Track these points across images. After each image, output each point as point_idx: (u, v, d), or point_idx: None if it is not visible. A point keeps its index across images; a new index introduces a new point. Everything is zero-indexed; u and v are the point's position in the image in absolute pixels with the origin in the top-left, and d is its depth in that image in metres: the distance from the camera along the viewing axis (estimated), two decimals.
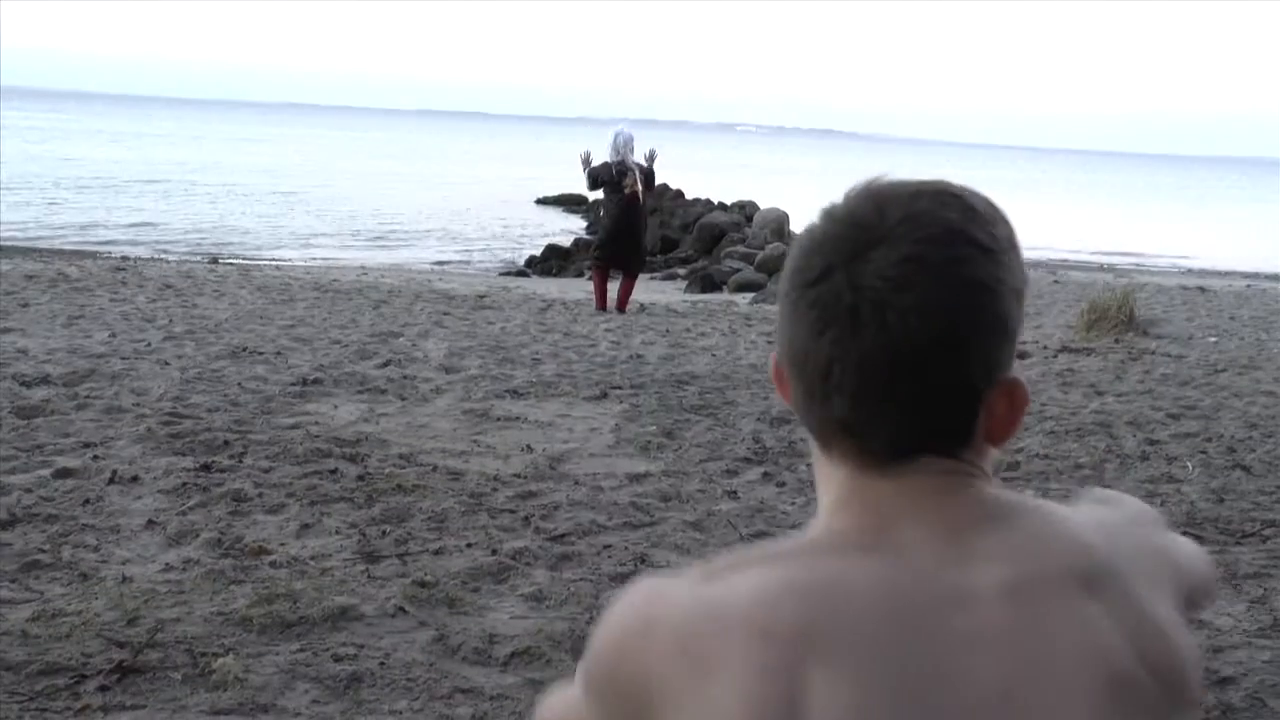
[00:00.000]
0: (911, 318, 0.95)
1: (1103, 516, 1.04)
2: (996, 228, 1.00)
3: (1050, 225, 40.48)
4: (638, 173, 12.23)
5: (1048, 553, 0.95)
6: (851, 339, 0.97)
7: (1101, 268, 24.42)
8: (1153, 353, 9.88)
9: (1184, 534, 4.07)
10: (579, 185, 14.02)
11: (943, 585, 0.93)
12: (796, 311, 1.01)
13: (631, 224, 12.41)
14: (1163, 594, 0.99)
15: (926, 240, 0.96)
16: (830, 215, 1.02)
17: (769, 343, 10.16)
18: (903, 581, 0.93)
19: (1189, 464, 6.03)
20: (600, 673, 0.98)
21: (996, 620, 0.91)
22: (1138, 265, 26.24)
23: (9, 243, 18.68)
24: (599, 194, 13.28)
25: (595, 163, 12.44)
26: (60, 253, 18.21)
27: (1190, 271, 25.20)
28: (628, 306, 12.36)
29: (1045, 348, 10.06)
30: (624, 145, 12.21)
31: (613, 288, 12.49)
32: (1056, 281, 17.81)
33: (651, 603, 0.97)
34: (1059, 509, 1.01)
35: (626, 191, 12.19)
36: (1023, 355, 9.64)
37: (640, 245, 12.81)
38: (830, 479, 1.06)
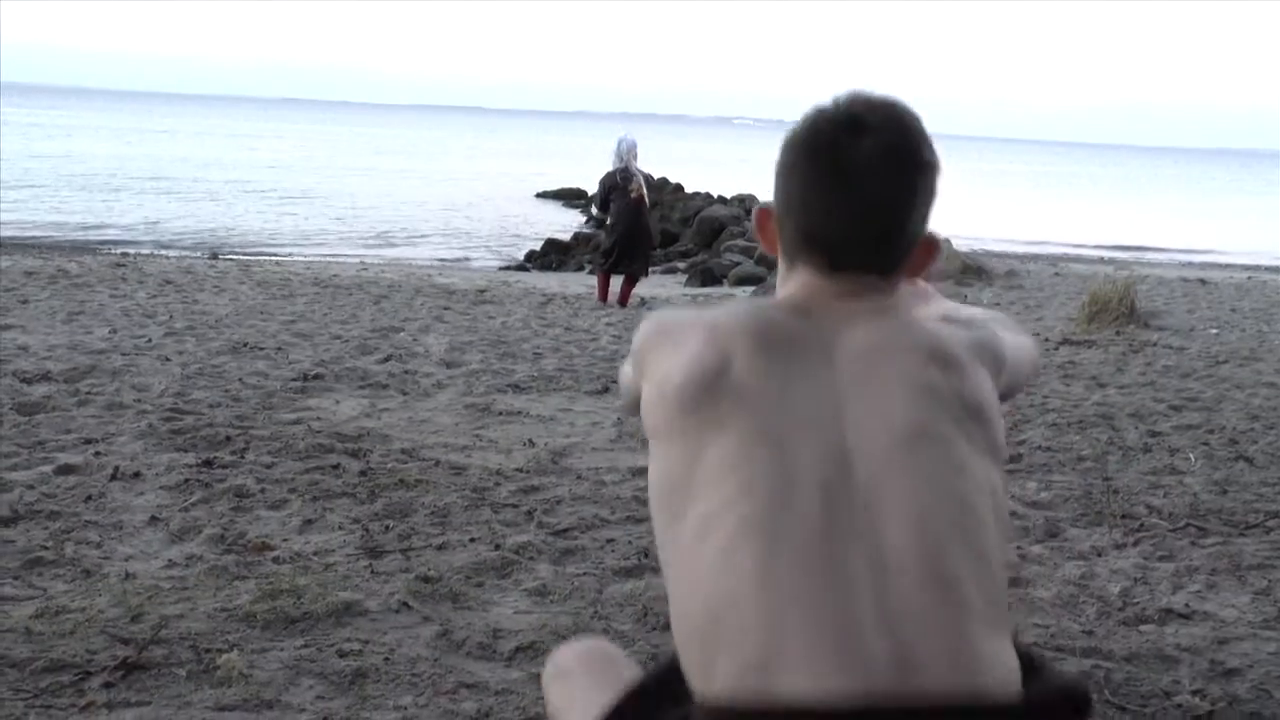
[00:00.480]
0: (887, 185, 1.51)
1: (957, 327, 1.57)
2: (927, 132, 1.57)
3: (1052, 218, 40.46)
4: (640, 177, 12.53)
5: (909, 334, 1.48)
6: (844, 194, 1.51)
7: (1102, 260, 24.41)
8: (1154, 345, 9.87)
9: (1188, 526, 4.06)
10: (577, 180, 14.11)
11: (832, 334, 1.48)
12: (801, 170, 1.55)
13: (638, 228, 12.62)
14: (985, 373, 1.51)
15: (899, 134, 1.53)
16: (828, 111, 1.55)
17: None
18: (810, 328, 1.49)
19: (1191, 456, 6.02)
20: (634, 351, 1.60)
21: (860, 346, 1.47)
22: (1138, 257, 26.23)
23: (10, 240, 18.67)
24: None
25: (602, 174, 12.86)
26: (60, 248, 18.21)
27: (1191, 264, 25.21)
28: (629, 301, 12.47)
29: (1046, 340, 10.06)
30: (627, 151, 12.49)
31: (615, 282, 12.64)
32: (1057, 274, 17.80)
33: (657, 316, 1.61)
34: (929, 320, 1.57)
35: (632, 195, 12.38)
36: None
37: (646, 250, 13.04)
38: (790, 282, 1.60)
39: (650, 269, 14.06)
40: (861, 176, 1.49)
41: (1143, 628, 3.71)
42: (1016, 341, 1.68)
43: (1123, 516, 4.91)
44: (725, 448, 1.40)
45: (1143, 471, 5.71)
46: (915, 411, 1.41)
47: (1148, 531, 4.73)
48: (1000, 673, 1.33)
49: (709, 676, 1.34)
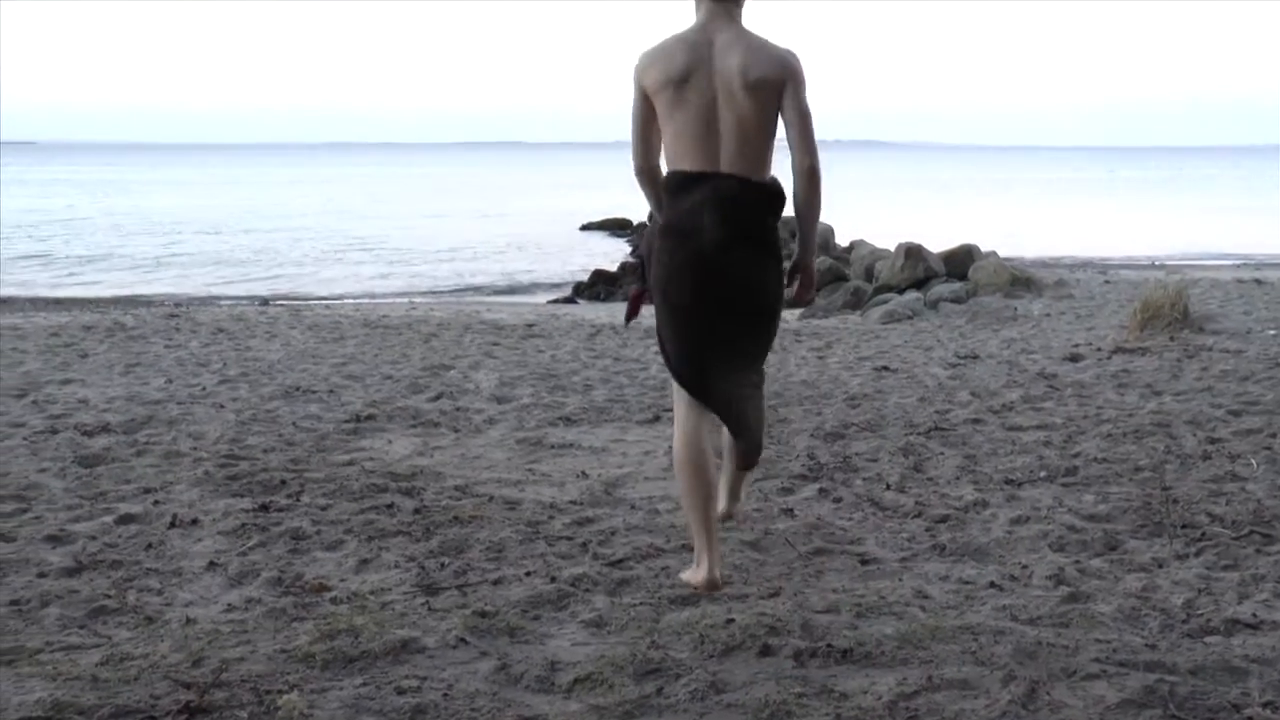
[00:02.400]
0: None
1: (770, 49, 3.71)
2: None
3: (1096, 226, 40.06)
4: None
5: (764, 52, 3.68)
6: None
7: (1152, 265, 24.13)
8: (1210, 349, 9.73)
9: (1252, 534, 3.98)
10: (621, 210, 14.25)
11: (715, 45, 3.69)
12: None
13: None
14: (775, 76, 3.68)
15: None
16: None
17: (820, 359, 10.12)
18: (703, 40, 3.70)
19: (1253, 461, 5.92)
20: (634, 79, 3.78)
21: (727, 62, 3.66)
22: (1189, 260, 25.90)
23: (70, 297, 19.02)
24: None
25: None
26: (116, 301, 18.52)
27: (1245, 264, 24.85)
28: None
29: (1099, 349, 9.95)
30: None
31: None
32: (1108, 282, 17.61)
33: (644, 50, 3.79)
34: (767, 45, 3.70)
35: None
36: (1076, 358, 9.53)
37: None
38: (696, 13, 3.77)
39: None
40: None
41: (1208, 639, 3.65)
42: (806, 105, 3.75)
43: (1183, 526, 4.84)
44: (676, 112, 3.71)
45: (1203, 479, 5.62)
46: (741, 82, 3.65)
47: (1210, 541, 4.65)
48: (756, 177, 3.71)
49: (679, 165, 3.73)
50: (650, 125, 3.75)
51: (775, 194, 3.75)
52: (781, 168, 3.76)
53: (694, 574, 3.97)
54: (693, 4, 3.76)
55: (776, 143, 3.78)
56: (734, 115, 3.65)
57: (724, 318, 3.71)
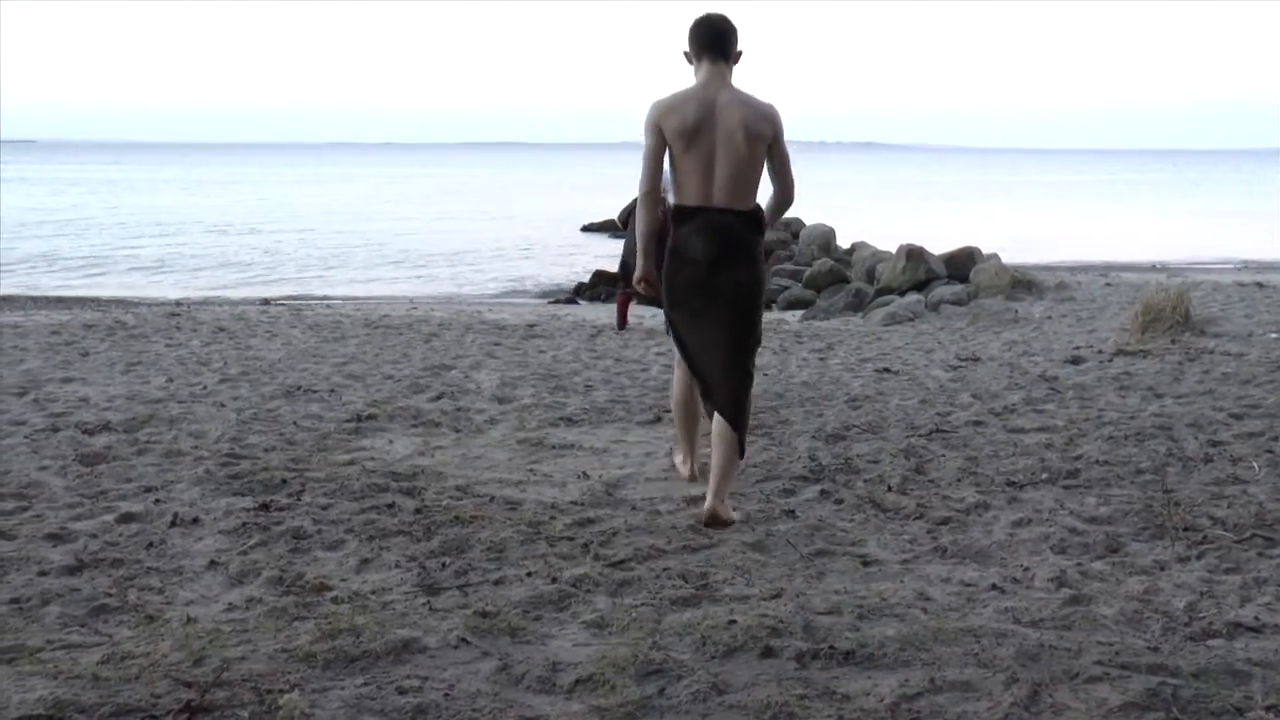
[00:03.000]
0: (723, 22, 4.93)
1: (760, 105, 4.86)
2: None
3: (1098, 228, 40.06)
4: (668, 200, 12.62)
5: (755, 108, 4.80)
6: (707, 28, 4.89)
7: (1154, 267, 24.12)
8: (1211, 352, 9.72)
9: (1254, 537, 3.98)
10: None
11: (717, 102, 4.77)
12: (697, 27, 4.94)
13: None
14: (767, 128, 4.82)
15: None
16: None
17: (820, 360, 10.12)
18: (708, 96, 4.79)
19: (1255, 464, 5.92)
20: (649, 122, 4.83)
21: (728, 116, 4.74)
22: (1190, 263, 25.89)
23: (73, 297, 19.00)
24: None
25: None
26: (118, 300, 18.52)
27: (1246, 267, 24.83)
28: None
29: (1100, 351, 9.95)
30: None
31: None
32: (1108, 284, 17.60)
33: (657, 102, 4.85)
34: (756, 102, 4.84)
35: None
36: (1077, 361, 9.52)
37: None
38: (697, 74, 4.88)
39: None
40: (712, 24, 4.85)
41: (1211, 643, 3.64)
42: (785, 151, 4.93)
43: (1185, 529, 4.83)
44: (685, 155, 4.79)
45: (1204, 482, 5.62)
46: (740, 133, 4.73)
47: (1212, 544, 4.65)
48: (748, 208, 4.84)
49: (683, 200, 4.85)
50: (661, 159, 4.83)
51: (758, 219, 4.91)
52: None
53: (683, 467, 5.60)
54: (692, 65, 4.94)
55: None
56: (732, 159, 4.78)
57: (713, 310, 4.88)
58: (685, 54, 4.90)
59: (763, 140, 4.79)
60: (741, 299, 4.85)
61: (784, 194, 5.02)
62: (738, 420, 4.89)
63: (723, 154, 4.75)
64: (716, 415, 4.93)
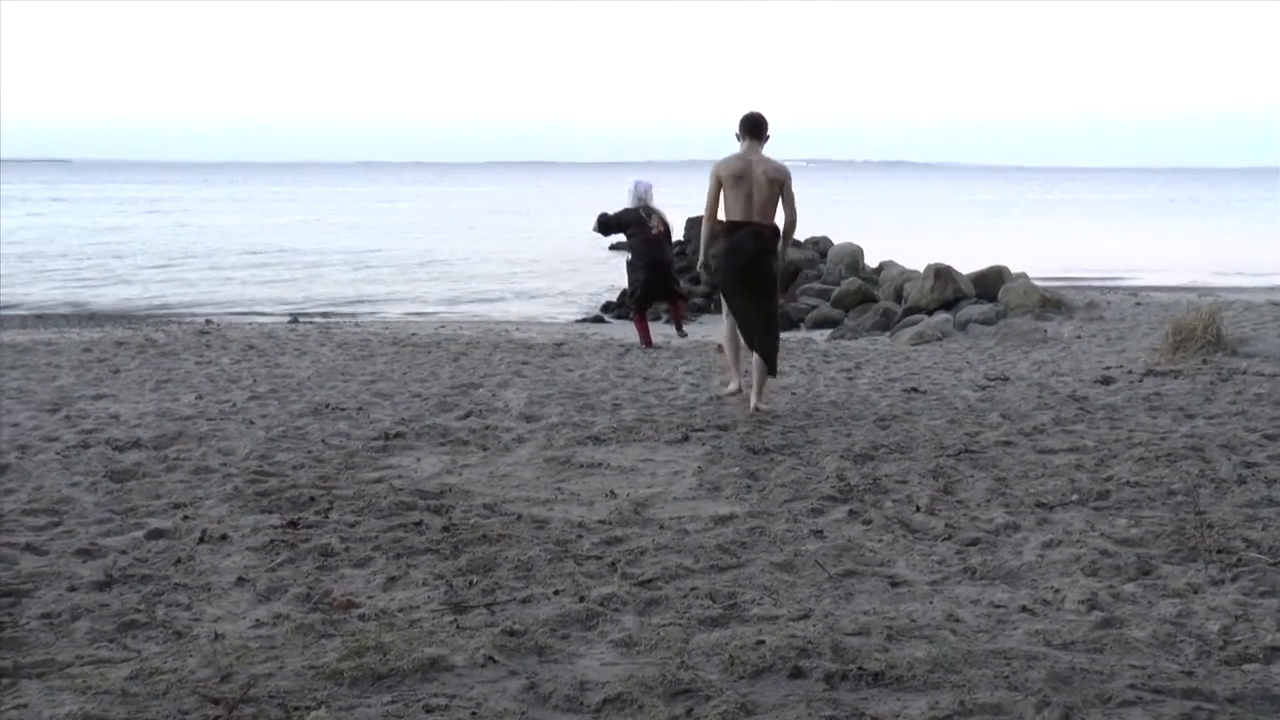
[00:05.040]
0: (756, 118, 8.27)
1: (777, 165, 8.20)
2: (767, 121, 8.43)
3: (1128, 247, 39.79)
4: (661, 214, 13.28)
5: (774, 165, 8.10)
6: (749, 122, 8.26)
7: (1185, 287, 23.95)
8: (1244, 372, 9.63)
9: None
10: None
11: (752, 161, 8.09)
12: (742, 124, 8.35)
13: (661, 260, 13.21)
14: (782, 179, 8.15)
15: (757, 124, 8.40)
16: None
17: (849, 379, 10.08)
18: (746, 160, 8.10)
19: None
20: (712, 172, 8.16)
21: (758, 170, 8.04)
22: (1222, 282, 25.69)
23: (103, 312, 19.15)
24: (614, 238, 14.45)
25: (612, 212, 13.57)
26: (149, 318, 18.66)
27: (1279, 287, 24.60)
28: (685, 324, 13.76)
29: (1130, 372, 9.87)
30: (645, 193, 13.32)
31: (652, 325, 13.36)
32: (1139, 304, 17.49)
33: (718, 164, 8.18)
34: (775, 162, 8.20)
35: (654, 231, 13.06)
36: (1107, 380, 9.45)
37: (672, 275, 13.66)
38: (740, 145, 8.24)
39: (680, 290, 14.45)
40: (753, 120, 8.20)
41: (1246, 667, 3.59)
42: (792, 191, 8.23)
43: (1219, 551, 4.78)
44: (733, 191, 8.09)
45: (1238, 504, 5.56)
46: (764, 180, 8.05)
47: (1246, 566, 4.59)
48: (771, 224, 8.19)
49: (732, 217, 8.13)
50: (718, 195, 8.08)
51: (777, 232, 8.19)
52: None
53: (732, 383, 8.79)
54: (739, 140, 8.18)
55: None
56: (761, 195, 8.04)
57: (753, 288, 8.15)
58: (736, 135, 8.16)
59: (778, 184, 8.06)
60: (768, 280, 8.18)
61: (791, 217, 8.20)
62: (768, 354, 8.19)
63: (756, 191, 8.01)
64: (756, 353, 8.22)
